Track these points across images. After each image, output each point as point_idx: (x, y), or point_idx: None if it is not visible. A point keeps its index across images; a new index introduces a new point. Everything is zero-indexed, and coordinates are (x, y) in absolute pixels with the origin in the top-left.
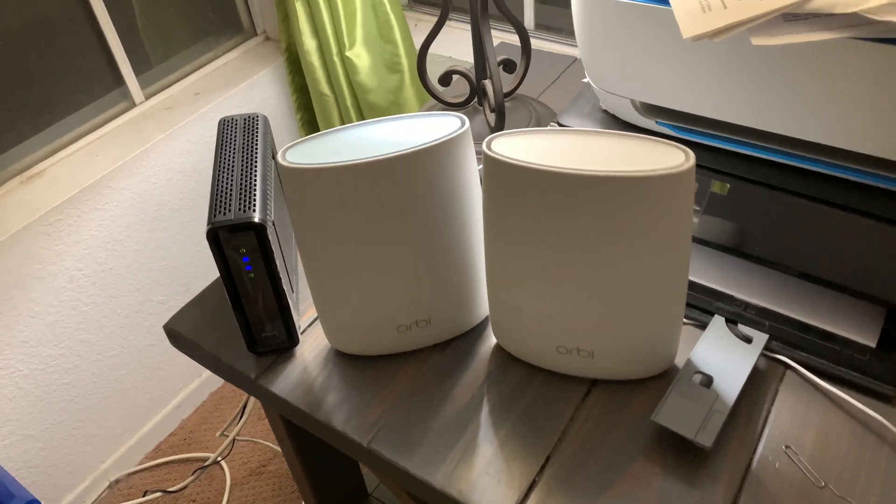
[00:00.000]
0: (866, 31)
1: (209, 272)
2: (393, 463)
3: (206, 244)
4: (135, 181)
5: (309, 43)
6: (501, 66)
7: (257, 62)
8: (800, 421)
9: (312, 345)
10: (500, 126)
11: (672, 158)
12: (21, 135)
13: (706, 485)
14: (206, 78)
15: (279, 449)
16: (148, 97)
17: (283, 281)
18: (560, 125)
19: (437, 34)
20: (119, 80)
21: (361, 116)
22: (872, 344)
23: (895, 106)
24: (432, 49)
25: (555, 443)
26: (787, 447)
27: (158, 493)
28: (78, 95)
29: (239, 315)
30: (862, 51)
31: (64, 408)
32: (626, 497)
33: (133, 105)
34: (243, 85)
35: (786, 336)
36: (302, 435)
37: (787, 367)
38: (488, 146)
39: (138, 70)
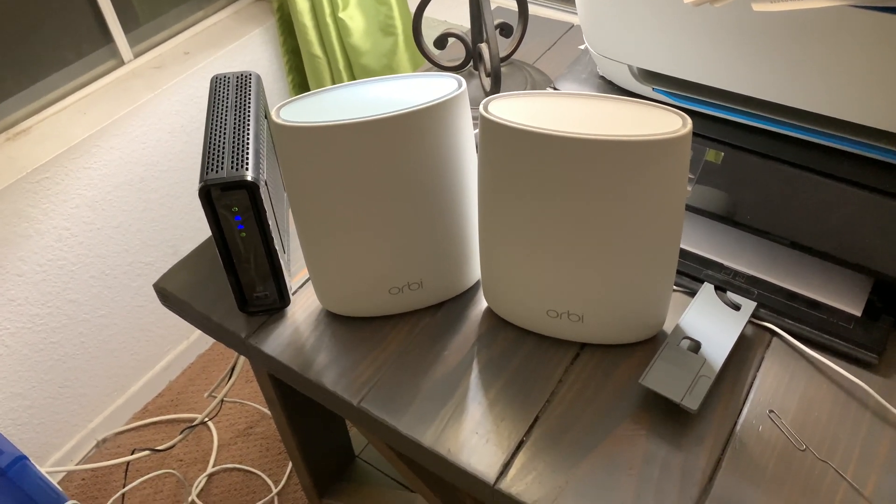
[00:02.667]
0: None
1: (198, 234)
2: (383, 422)
3: (194, 205)
4: (123, 140)
5: (301, 3)
6: (498, 30)
7: (248, 22)
8: (784, 387)
9: (304, 305)
10: (495, 90)
11: (669, 123)
12: (6, 91)
13: (691, 446)
14: (196, 37)
15: (267, 411)
16: (137, 55)
17: (275, 241)
18: (556, 90)
19: None
20: (107, 38)
21: (354, 79)
22: (858, 313)
23: (890, 75)
24: (427, 12)
25: (543, 404)
26: (770, 412)
27: (146, 452)
28: (65, 52)
29: (230, 275)
30: (861, 19)
31: (51, 367)
32: (612, 457)
33: (122, 63)
34: (234, 45)
35: (773, 304)
36: (290, 396)
37: (774, 334)
38: (485, 108)
39: (127, 28)
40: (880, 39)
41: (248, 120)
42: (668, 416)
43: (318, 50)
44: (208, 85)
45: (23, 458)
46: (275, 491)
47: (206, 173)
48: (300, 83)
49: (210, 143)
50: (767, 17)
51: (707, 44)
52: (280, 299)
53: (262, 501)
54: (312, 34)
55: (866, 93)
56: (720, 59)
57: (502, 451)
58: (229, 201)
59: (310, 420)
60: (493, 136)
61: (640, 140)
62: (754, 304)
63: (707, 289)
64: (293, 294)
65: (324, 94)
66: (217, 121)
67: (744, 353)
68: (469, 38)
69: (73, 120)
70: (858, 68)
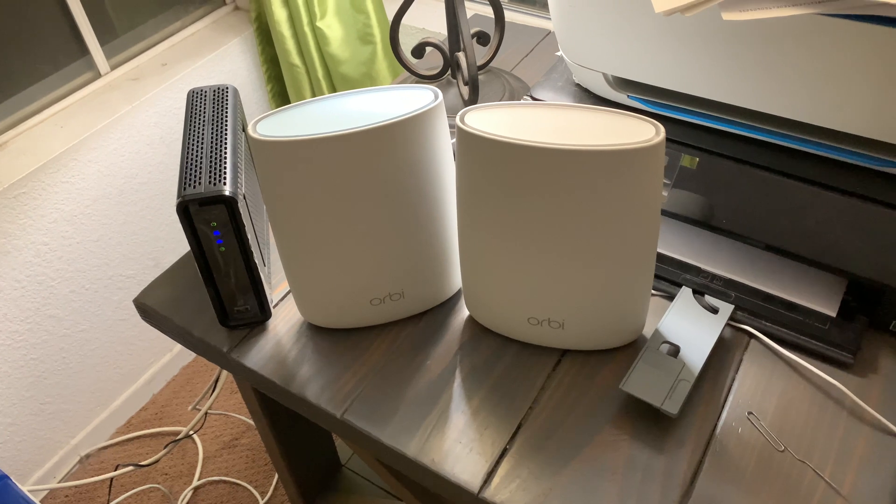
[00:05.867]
0: (834, 7)
1: (179, 246)
2: (366, 434)
3: (175, 218)
4: (101, 153)
5: (279, 12)
6: (475, 39)
7: (226, 32)
8: (762, 388)
9: (285, 318)
10: (473, 99)
11: (643, 132)
12: None
13: (672, 450)
14: (173, 48)
15: (252, 422)
16: (114, 67)
17: (254, 254)
18: (533, 98)
19: (409, 5)
20: (83, 50)
21: (333, 88)
22: (833, 314)
23: (860, 81)
24: (405, 20)
25: (526, 411)
26: (749, 413)
27: (130, 467)
28: (41, 65)
29: (210, 289)
30: (830, 27)
31: (32, 383)
32: (594, 463)
33: (98, 76)
34: (212, 55)
35: (751, 306)
36: (275, 408)
37: (752, 336)
38: (462, 119)
39: (103, 40)
40: (851, 46)
41: (226, 134)
42: (649, 421)
43: (296, 59)
44: (186, 96)
45: (4, 477)
46: (262, 502)
47: (184, 189)
48: (279, 92)
49: (187, 158)
50: (739, 25)
51: (680, 52)
52: (261, 312)
53: None
54: (290, 43)
55: (838, 98)
56: (694, 66)
57: (486, 459)
58: (208, 216)
59: (295, 431)
60: (470, 147)
61: (614, 149)
62: (732, 306)
63: (685, 293)
64: (274, 307)
65: (300, 107)
66: (194, 135)
67: (722, 355)
68: (446, 47)
69: (50, 133)
70: (830, 74)
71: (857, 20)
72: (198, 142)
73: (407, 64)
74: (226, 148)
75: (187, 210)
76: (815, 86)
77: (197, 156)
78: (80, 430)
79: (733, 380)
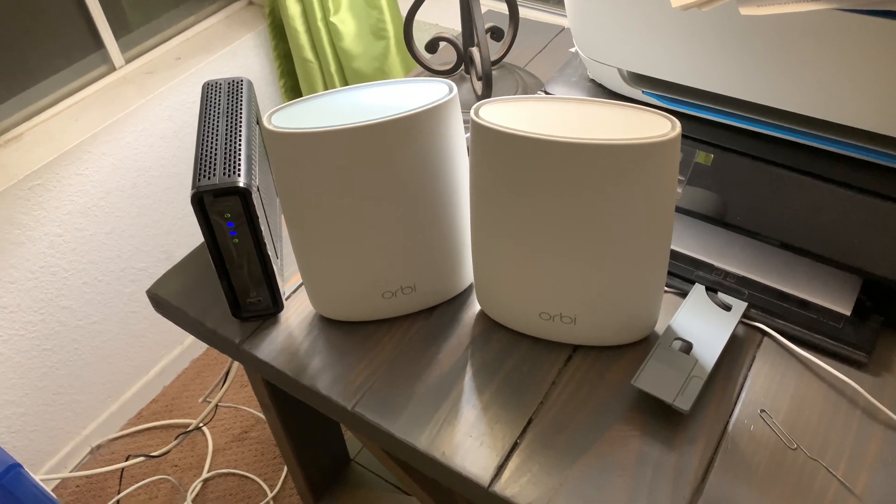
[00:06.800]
0: (852, 2)
1: (191, 239)
2: (377, 426)
3: (187, 211)
4: (115, 146)
5: (293, 7)
6: (489, 34)
7: (240, 27)
8: (775, 386)
9: (297, 310)
10: (486, 94)
11: (658, 127)
12: None
13: (683, 447)
14: (187, 42)
15: (261, 415)
16: (128, 61)
17: (267, 246)
18: (547, 94)
19: (423, 0)
20: (98, 44)
21: (346, 83)
22: (847, 312)
23: (879, 78)
24: (418, 16)
25: (536, 406)
26: (762, 411)
27: (141, 458)
28: (56, 58)
29: (223, 281)
30: (848, 22)
31: (45, 374)
32: (605, 458)
33: (113, 69)
34: (226, 50)
35: (764, 304)
36: (285, 401)
37: (765, 334)
38: (476, 113)
39: (118, 33)
40: (868, 42)
41: (240, 126)
42: (660, 417)
43: (309, 54)
44: (200, 90)
45: (17, 465)
46: (270, 495)
47: (199, 180)
48: (292, 87)
49: (202, 149)
50: (756, 21)
51: (696, 47)
52: (273, 304)
53: None
54: (304, 38)
55: (855, 95)
56: (709, 62)
57: (496, 453)
58: (222, 208)
59: (305, 424)
60: (484, 140)
61: (630, 144)
62: (745, 304)
63: (698, 290)
64: (286, 299)
65: (315, 99)
66: (209, 127)
67: (735, 353)
68: (460, 42)
69: (65, 126)
70: (847, 71)
71: (874, 16)
72: (212, 134)
73: (420, 59)
74: (240, 140)
75: (202, 201)
76: (831, 82)
77: (211, 148)
78: (92, 421)
79: (746, 377)
